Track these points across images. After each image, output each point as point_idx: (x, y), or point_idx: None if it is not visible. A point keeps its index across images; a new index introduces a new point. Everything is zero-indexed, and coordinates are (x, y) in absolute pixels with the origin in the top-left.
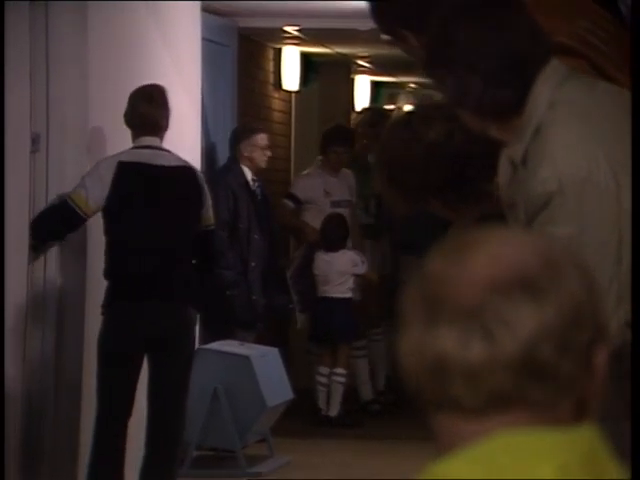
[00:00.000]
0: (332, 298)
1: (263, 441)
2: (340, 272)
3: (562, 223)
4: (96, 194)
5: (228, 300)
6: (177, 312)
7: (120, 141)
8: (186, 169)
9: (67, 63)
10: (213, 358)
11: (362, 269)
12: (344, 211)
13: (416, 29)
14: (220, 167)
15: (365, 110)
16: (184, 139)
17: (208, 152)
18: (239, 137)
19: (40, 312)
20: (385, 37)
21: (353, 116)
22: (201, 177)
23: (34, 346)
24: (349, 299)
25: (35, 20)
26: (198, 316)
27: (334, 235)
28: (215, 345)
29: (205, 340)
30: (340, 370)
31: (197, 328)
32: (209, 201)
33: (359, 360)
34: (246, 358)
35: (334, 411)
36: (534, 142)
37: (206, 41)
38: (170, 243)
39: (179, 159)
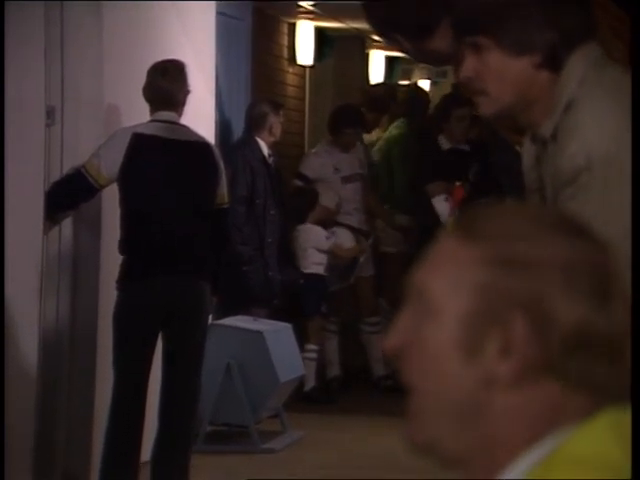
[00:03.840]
0: (301, 273)
1: (276, 417)
2: (301, 247)
3: (587, 201)
4: (109, 164)
5: (244, 276)
6: (192, 287)
7: (136, 114)
8: (203, 145)
9: (82, 37)
10: (226, 333)
11: (325, 245)
12: (356, 185)
13: (409, 34)
14: (236, 141)
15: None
16: (198, 113)
17: (222, 126)
18: (259, 111)
19: (55, 284)
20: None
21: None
22: (218, 154)
23: (49, 318)
24: (313, 275)
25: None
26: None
27: (294, 208)
28: (228, 320)
29: (218, 316)
30: (309, 346)
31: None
32: (224, 179)
33: (372, 336)
34: (259, 333)
35: (308, 386)
36: (565, 118)
37: (220, 15)
38: (185, 218)
39: (196, 135)
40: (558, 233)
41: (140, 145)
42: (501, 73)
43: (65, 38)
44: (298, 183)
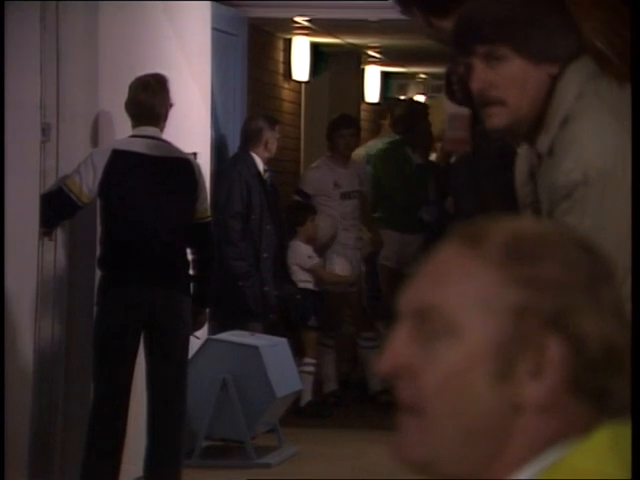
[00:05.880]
0: (297, 288)
1: (272, 431)
2: (288, 263)
3: (584, 215)
4: (89, 181)
5: (240, 291)
6: (170, 301)
7: (130, 131)
8: (181, 160)
9: (77, 53)
10: (222, 348)
11: (307, 263)
12: (354, 202)
13: (426, 8)
14: (231, 157)
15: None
16: (194, 129)
17: (218, 142)
18: (254, 127)
19: (50, 299)
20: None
21: (363, 107)
22: (198, 169)
23: (44, 335)
24: (303, 290)
25: (46, 11)
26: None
27: (288, 224)
28: (224, 335)
29: (215, 330)
30: (306, 360)
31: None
32: (205, 193)
33: (368, 351)
34: (255, 348)
35: (304, 400)
36: (561, 132)
37: (216, 31)
38: (163, 233)
39: (176, 150)
40: (578, 249)
41: (119, 162)
42: (521, 81)
43: (60, 55)
44: (297, 199)
